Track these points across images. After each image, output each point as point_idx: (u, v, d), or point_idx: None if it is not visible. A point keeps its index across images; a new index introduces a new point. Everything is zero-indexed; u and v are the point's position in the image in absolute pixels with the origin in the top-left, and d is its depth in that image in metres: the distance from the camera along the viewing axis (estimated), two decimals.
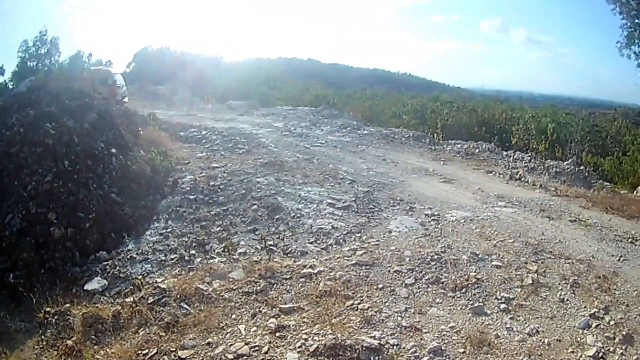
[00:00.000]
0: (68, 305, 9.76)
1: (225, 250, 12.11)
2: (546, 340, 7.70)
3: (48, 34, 63.12)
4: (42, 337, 9.32)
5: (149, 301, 9.47)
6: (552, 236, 11.74)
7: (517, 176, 18.62)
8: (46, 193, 14.25)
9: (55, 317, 9.49)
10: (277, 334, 7.87)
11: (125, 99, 34.95)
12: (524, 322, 8.16)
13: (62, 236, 13.33)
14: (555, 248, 10.98)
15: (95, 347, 8.56)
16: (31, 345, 9.50)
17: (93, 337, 8.82)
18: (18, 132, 16.26)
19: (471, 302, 8.65)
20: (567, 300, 8.87)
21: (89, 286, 11.51)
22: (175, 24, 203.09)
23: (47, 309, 9.68)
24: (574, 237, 11.93)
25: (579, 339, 7.78)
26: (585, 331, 8.00)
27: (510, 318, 8.24)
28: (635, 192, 18.57)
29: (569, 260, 10.35)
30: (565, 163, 21.65)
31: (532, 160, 22.12)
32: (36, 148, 15.32)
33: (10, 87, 54.82)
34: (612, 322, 8.22)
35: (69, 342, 8.68)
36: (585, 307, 8.66)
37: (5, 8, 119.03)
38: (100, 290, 11.32)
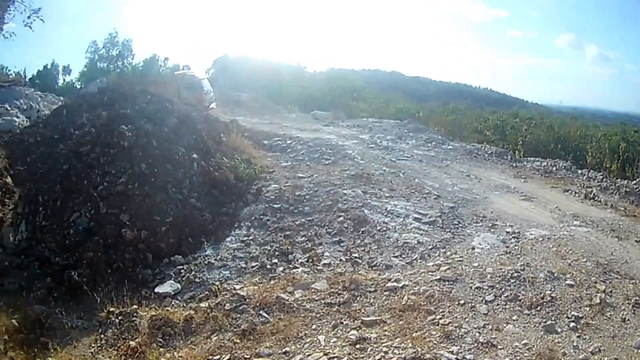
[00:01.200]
0: (135, 306, 9.92)
1: (309, 260, 12.15)
2: (605, 359, 7.69)
3: (119, 35, 64.19)
4: (102, 336, 9.54)
5: (226, 307, 9.60)
6: (620, 256, 11.67)
7: (591, 195, 18.44)
8: (119, 194, 14.44)
9: (120, 317, 9.65)
10: (357, 346, 7.92)
11: (213, 106, 34.79)
12: (589, 340, 8.17)
13: (134, 238, 13.51)
14: (622, 268, 10.92)
15: (161, 349, 8.72)
16: (87, 343, 9.74)
17: (160, 340, 8.97)
18: (89, 132, 16.56)
19: (544, 320, 8.67)
20: (628, 320, 8.83)
21: (160, 289, 11.67)
22: (256, 32, 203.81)
23: (111, 309, 9.86)
24: (639, 257, 11.82)
25: (633, 358, 7.79)
26: (639, 351, 7.99)
27: (578, 336, 8.25)
28: None
29: (633, 281, 10.29)
30: (634, 183, 21.21)
31: (605, 180, 21.69)
32: (110, 149, 15.51)
33: (78, 87, 55.81)
34: None
35: (132, 342, 8.80)
36: None
37: (71, 9, 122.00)
38: (172, 293, 11.46)
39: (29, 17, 38.92)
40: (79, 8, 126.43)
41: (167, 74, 37.74)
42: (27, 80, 44.95)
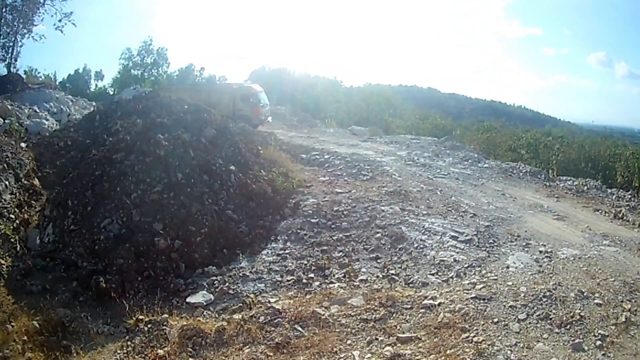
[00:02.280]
0: (166, 315, 10.07)
1: (346, 276, 12.22)
2: None
3: (154, 43, 64.64)
4: (129, 343, 9.66)
5: (260, 320, 9.73)
6: None
7: (620, 215, 18.31)
8: (153, 203, 14.62)
9: (149, 325, 9.80)
10: None
11: (269, 119, 34.55)
12: (613, 358, 8.25)
13: (167, 247, 13.68)
14: None
15: (190, 359, 8.82)
16: (112, 349, 9.89)
17: (190, 349, 9.08)
18: (124, 140, 16.73)
19: (573, 338, 8.77)
20: None
21: (192, 299, 11.81)
22: (294, 44, 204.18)
23: (140, 317, 10.02)
24: None
25: None
26: None
27: (603, 354, 8.32)
28: None
29: None
30: None
31: (633, 199, 21.56)
32: (145, 157, 15.72)
33: (111, 93, 56.35)
34: None
35: (161, 351, 8.96)
36: None
37: (104, 15, 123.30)
38: (205, 304, 11.57)
39: (59, 21, 39.40)
40: (112, 14, 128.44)
41: (223, 84, 37.39)
42: (57, 83, 45.30)
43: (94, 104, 35.37)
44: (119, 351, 9.65)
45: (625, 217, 17.98)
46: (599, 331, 8.93)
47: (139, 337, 9.69)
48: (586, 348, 8.46)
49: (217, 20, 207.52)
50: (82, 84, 58.90)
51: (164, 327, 9.69)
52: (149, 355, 9.01)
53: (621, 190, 23.54)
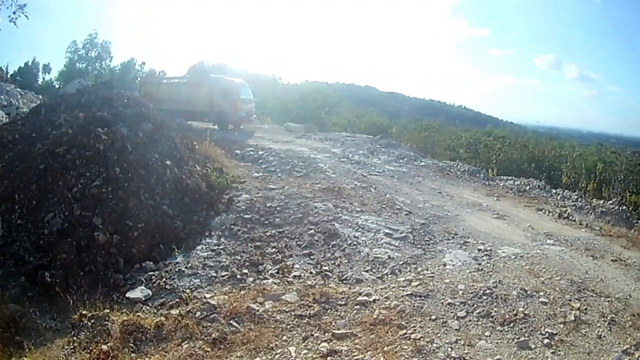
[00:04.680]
0: (107, 310, 9.89)
1: (279, 272, 12.19)
2: None
3: (98, 37, 64.21)
4: (75, 338, 9.49)
5: (197, 315, 9.62)
6: (595, 275, 11.81)
7: (566, 215, 18.65)
8: (93, 197, 14.34)
9: (92, 320, 9.61)
10: (329, 359, 7.99)
11: (253, 117, 34.18)
12: (563, 356, 8.24)
13: (106, 242, 13.42)
14: (597, 286, 11.06)
15: (133, 355, 8.71)
16: (60, 344, 9.70)
17: (131, 345, 8.95)
18: (66, 133, 16.37)
19: (517, 336, 8.74)
20: (604, 336, 8.94)
21: (131, 294, 11.63)
22: (234, 40, 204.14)
23: (84, 312, 9.84)
24: (614, 276, 11.96)
25: None
26: None
27: (552, 352, 8.31)
28: None
29: (609, 299, 10.43)
30: (610, 202, 21.47)
31: (580, 199, 21.96)
32: (85, 151, 15.39)
33: (57, 86, 55.77)
34: None
35: (104, 347, 8.79)
36: (619, 343, 8.77)
37: (55, 6, 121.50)
38: (143, 299, 11.42)
39: (14, 13, 38.69)
40: (63, 6, 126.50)
41: (202, 77, 34.89)
42: (8, 76, 44.68)
43: (40, 97, 34.92)
44: (66, 347, 9.49)
45: (571, 217, 18.36)
46: (546, 329, 8.93)
47: (83, 333, 9.50)
48: (533, 346, 8.45)
49: (161, 14, 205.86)
50: (31, 77, 58.50)
51: (106, 323, 9.53)
52: (94, 350, 8.82)
53: (567, 190, 24.05)
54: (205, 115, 33.10)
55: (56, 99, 23.71)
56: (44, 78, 63.65)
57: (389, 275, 11.72)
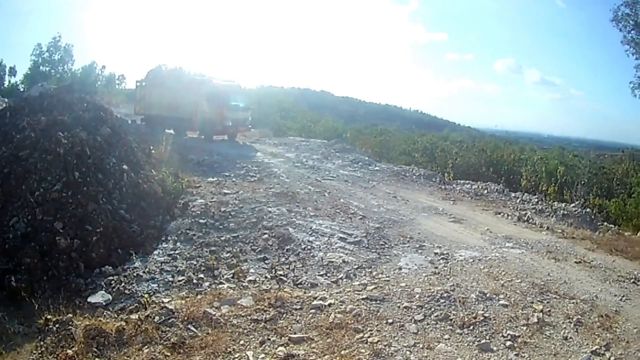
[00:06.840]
0: (70, 315, 9.79)
1: (235, 276, 12.19)
2: None
3: (62, 40, 63.74)
4: (42, 343, 9.38)
5: (155, 320, 9.53)
6: (558, 277, 11.88)
7: (525, 218, 18.79)
8: (54, 201, 14.22)
9: (57, 325, 9.52)
10: None
11: (249, 127, 33.12)
12: (528, 358, 8.28)
13: (67, 246, 13.29)
14: (561, 288, 11.12)
15: (97, 359, 8.62)
16: (29, 349, 9.59)
17: (95, 349, 8.84)
18: (29, 137, 16.21)
19: (478, 339, 8.75)
20: (571, 338, 9.00)
21: (92, 299, 11.54)
22: (190, 45, 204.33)
23: (49, 317, 9.74)
24: (578, 278, 12.05)
25: None
26: None
27: (515, 355, 8.34)
28: (638, 234, 18.52)
29: (574, 300, 10.49)
30: (572, 205, 21.65)
31: (540, 202, 22.16)
32: (47, 155, 15.29)
33: (22, 89, 55.34)
34: (612, 358, 8.42)
35: (69, 351, 8.72)
36: (587, 344, 8.82)
37: (19, 10, 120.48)
38: (104, 304, 11.34)
39: None
40: (29, 8, 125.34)
41: (191, 80, 33.37)
42: None
43: (6, 100, 34.64)
44: (34, 351, 9.38)
45: (531, 220, 18.56)
46: (508, 332, 8.97)
47: (49, 337, 9.40)
48: (495, 348, 8.48)
49: (122, 17, 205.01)
50: None
51: (70, 327, 9.46)
52: (60, 355, 8.76)
53: (526, 194, 24.31)
54: (188, 123, 31.34)
55: (20, 103, 23.54)
56: (9, 81, 63.45)
57: (344, 280, 11.85)
